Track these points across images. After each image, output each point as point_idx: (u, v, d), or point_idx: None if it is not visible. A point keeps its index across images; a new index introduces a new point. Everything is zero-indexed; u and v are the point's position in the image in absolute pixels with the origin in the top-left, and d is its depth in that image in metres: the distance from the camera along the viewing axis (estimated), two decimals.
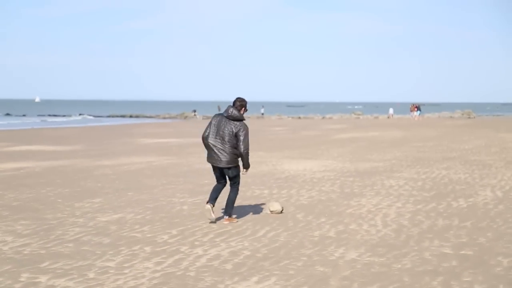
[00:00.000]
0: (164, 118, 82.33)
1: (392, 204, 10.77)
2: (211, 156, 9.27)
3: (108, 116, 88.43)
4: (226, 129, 9.11)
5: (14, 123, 63.82)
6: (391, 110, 76.96)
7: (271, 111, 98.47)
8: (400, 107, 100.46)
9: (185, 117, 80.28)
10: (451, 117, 74.74)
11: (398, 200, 11.13)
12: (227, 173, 9.28)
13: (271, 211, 9.98)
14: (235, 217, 9.53)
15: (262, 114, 79.62)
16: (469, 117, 73.89)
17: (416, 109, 67.09)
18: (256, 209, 10.41)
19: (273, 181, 13.94)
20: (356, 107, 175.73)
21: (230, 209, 9.37)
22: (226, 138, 9.08)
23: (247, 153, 9.15)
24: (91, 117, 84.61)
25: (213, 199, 9.28)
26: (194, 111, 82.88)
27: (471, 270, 6.64)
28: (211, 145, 9.20)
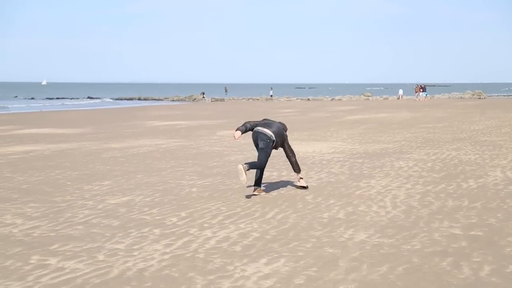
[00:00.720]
0: (173, 100, 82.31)
1: (401, 185, 10.76)
2: None
3: (117, 99, 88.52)
4: None
5: (35, 106, 64.00)
6: (400, 91, 76.54)
7: (280, 93, 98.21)
8: (410, 89, 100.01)
9: (194, 100, 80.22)
10: (461, 97, 74.30)
11: (407, 182, 11.11)
12: None
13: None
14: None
15: (271, 96, 79.42)
16: (480, 98, 73.42)
17: (421, 90, 66.76)
18: (265, 191, 10.42)
19: (282, 163, 13.93)
20: (368, 88, 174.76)
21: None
22: None
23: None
24: (110, 100, 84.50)
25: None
26: (203, 93, 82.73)
27: (480, 251, 6.63)
28: None
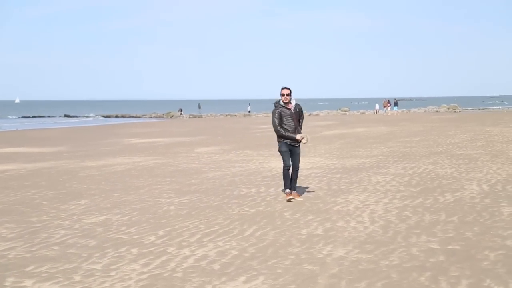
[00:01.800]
0: (151, 117, 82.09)
1: (379, 200, 10.80)
2: None
3: (94, 116, 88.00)
4: None
5: (10, 124, 63.32)
6: (377, 106, 77.23)
7: (258, 109, 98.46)
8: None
9: (172, 116, 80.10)
10: (437, 111, 75.15)
11: (385, 196, 11.16)
12: None
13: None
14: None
15: (249, 112, 79.58)
16: (455, 111, 74.32)
17: (389, 104, 67.47)
18: (244, 208, 10.39)
19: (260, 179, 13.93)
20: (358, 102, 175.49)
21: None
22: None
23: (275, 131, 10.91)
24: (101, 118, 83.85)
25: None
26: (181, 110, 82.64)
27: (458, 265, 6.66)
28: None
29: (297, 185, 12.88)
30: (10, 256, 7.51)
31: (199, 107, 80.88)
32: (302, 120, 11.03)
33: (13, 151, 24.70)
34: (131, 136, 34.45)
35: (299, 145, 10.99)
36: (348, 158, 18.22)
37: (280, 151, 11.03)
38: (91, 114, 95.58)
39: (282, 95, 10.80)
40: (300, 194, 11.21)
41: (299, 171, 11.14)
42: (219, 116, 77.56)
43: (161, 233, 8.60)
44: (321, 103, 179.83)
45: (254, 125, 47.83)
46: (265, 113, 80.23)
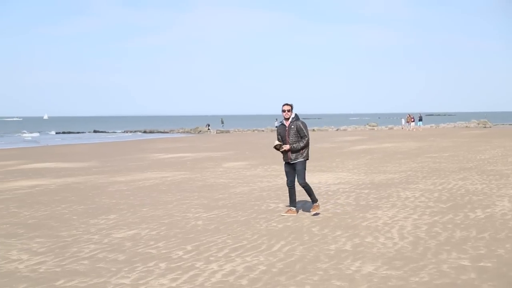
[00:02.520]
0: (178, 132, 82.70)
1: (408, 216, 10.70)
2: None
3: (123, 132, 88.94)
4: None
5: (41, 140, 64.34)
6: (403, 121, 76.60)
7: None
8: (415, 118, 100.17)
9: (199, 132, 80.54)
10: (466, 127, 74.31)
11: (414, 212, 11.05)
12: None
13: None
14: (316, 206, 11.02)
15: (276, 127, 79.55)
16: (485, 127, 73.39)
17: (413, 119, 66.56)
18: (271, 223, 10.38)
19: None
20: (376, 118, 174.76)
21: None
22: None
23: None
24: (130, 133, 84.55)
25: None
26: (208, 125, 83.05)
27: (490, 283, 6.56)
28: None
29: (325, 200, 12.83)
30: (41, 270, 7.61)
31: (222, 123, 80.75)
32: (303, 138, 10.84)
33: (43, 167, 25.06)
34: (159, 151, 34.71)
35: (295, 162, 10.89)
36: (377, 173, 18.10)
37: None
38: (119, 130, 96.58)
39: (283, 111, 10.81)
40: (318, 207, 11.03)
41: (305, 187, 10.93)
42: (246, 131, 77.75)
43: (189, 247, 8.64)
44: (354, 118, 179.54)
45: None
46: None
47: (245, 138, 54.50)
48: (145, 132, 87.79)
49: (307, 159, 10.97)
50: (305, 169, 10.91)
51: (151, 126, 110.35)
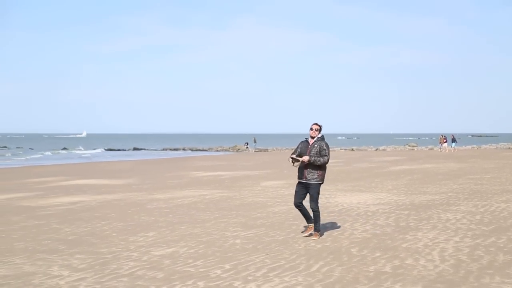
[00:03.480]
0: (217, 150, 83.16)
1: (449, 238, 10.51)
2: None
3: (162, 150, 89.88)
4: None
5: (83, 156, 65.62)
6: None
7: None
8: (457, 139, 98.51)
9: (238, 150, 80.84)
10: (509, 148, 72.82)
11: (455, 234, 10.86)
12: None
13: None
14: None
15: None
16: None
17: (445, 140, 64.97)
18: (310, 243, 10.33)
19: (326, 214, 13.82)
20: (416, 138, 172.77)
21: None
22: None
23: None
24: (169, 151, 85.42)
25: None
26: (247, 144, 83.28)
27: None
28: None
29: (364, 221, 12.70)
30: (81, 287, 7.71)
31: (255, 142, 79.94)
32: (323, 157, 10.58)
33: (84, 183, 25.47)
34: (197, 169, 34.94)
35: (310, 184, 10.60)
36: (417, 194, 17.86)
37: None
38: (158, 147, 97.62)
39: (311, 129, 10.69)
40: (318, 235, 10.80)
41: (315, 212, 10.71)
42: (284, 149, 77.72)
43: (227, 266, 8.65)
44: (398, 138, 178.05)
45: None
46: (331, 148, 79.77)
47: (283, 157, 54.46)
48: (184, 149, 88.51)
49: (322, 182, 10.71)
50: (319, 193, 10.70)
51: (190, 144, 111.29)
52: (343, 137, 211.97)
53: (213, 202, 16.88)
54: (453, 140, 65.17)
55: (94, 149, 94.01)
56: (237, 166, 39.28)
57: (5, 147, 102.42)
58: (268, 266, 8.61)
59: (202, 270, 8.46)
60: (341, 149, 77.55)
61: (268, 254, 9.44)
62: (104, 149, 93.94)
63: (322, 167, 10.60)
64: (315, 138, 10.67)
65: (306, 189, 10.70)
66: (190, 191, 20.64)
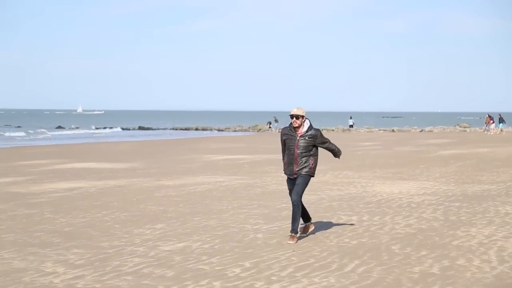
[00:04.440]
0: (235, 131, 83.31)
1: (509, 235, 10.42)
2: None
3: (172, 129, 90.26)
4: None
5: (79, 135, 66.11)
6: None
7: (360, 123, 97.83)
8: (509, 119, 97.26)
9: (259, 130, 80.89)
10: None
11: None
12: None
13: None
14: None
15: (351, 126, 79.09)
16: None
17: (491, 121, 64.08)
18: (343, 238, 10.30)
19: (363, 205, 13.78)
20: (463, 118, 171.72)
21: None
22: None
23: None
24: (180, 130, 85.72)
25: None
26: (269, 123, 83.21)
27: None
28: None
29: (407, 213, 12.63)
30: (78, 286, 7.77)
31: (276, 121, 79.08)
32: (328, 144, 10.66)
33: (82, 167, 25.67)
34: (212, 152, 35.04)
35: (298, 176, 10.24)
36: (469, 184, 17.72)
37: None
38: (167, 126, 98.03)
39: (291, 117, 10.29)
40: (296, 238, 10.18)
41: (295, 206, 10.20)
42: None
43: (247, 264, 8.65)
44: (414, 118, 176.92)
45: (355, 141, 47.52)
46: (367, 128, 79.54)
47: None
48: (196, 129, 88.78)
49: (313, 175, 10.37)
50: (306, 185, 10.31)
51: (203, 123, 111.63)
52: (386, 117, 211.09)
53: (231, 190, 16.91)
54: (501, 120, 64.35)
55: (111, 128, 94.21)
56: (258, 148, 39.31)
57: None
58: (295, 265, 8.60)
59: (218, 268, 8.48)
60: (379, 130, 77.24)
61: (294, 251, 9.43)
62: (122, 128, 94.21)
63: (314, 158, 10.36)
64: (302, 128, 10.30)
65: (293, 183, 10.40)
66: (204, 177, 20.70)
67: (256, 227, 11.45)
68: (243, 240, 10.28)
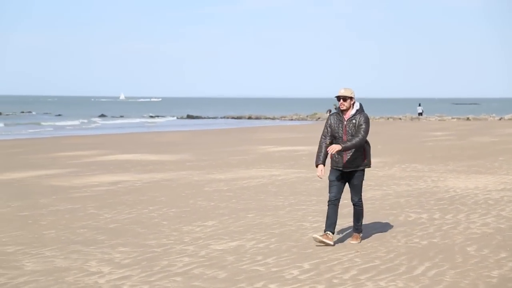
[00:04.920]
0: (291, 119, 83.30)
1: None
2: None
3: (223, 118, 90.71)
4: None
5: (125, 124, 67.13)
6: None
7: (430, 111, 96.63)
8: None
9: (318, 119, 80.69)
10: None
11: None
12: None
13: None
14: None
15: (420, 114, 78.21)
16: None
17: None
18: (412, 238, 10.24)
19: (434, 202, 13.65)
20: None
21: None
22: None
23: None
24: (232, 119, 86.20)
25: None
26: (329, 111, 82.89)
27: None
28: None
29: (484, 211, 12.45)
30: (124, 287, 7.92)
31: (335, 109, 78.51)
32: (358, 133, 9.86)
33: (127, 159, 26.03)
34: (267, 143, 35.11)
35: (352, 172, 10.00)
36: None
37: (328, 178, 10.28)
38: (217, 115, 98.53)
39: (337, 99, 10.10)
40: (360, 238, 10.16)
41: (358, 206, 10.17)
42: (378, 119, 77.06)
43: (306, 266, 8.68)
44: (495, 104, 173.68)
45: (424, 131, 47.01)
46: (439, 116, 78.52)
47: (376, 128, 53.97)
48: (249, 118, 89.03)
49: (369, 166, 10.15)
50: (363, 181, 10.17)
51: (257, 111, 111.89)
52: (459, 103, 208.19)
53: (287, 185, 16.94)
54: None
55: (173, 116, 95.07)
56: (317, 139, 39.13)
57: (30, 112, 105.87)
58: (359, 267, 8.60)
59: (275, 269, 8.52)
60: (452, 118, 76.16)
61: (358, 252, 9.43)
62: (176, 117, 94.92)
63: (367, 147, 10.12)
64: (349, 111, 10.04)
65: (347, 178, 10.13)
66: (258, 170, 20.78)
67: (315, 225, 11.46)
68: (301, 239, 10.30)
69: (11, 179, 19.11)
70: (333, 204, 10.06)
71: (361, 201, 10.20)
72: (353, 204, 10.21)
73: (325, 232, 9.88)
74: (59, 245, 10.16)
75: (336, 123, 10.05)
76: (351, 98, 9.99)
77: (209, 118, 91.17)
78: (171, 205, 13.91)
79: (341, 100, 10.01)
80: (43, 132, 54.27)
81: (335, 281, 7.99)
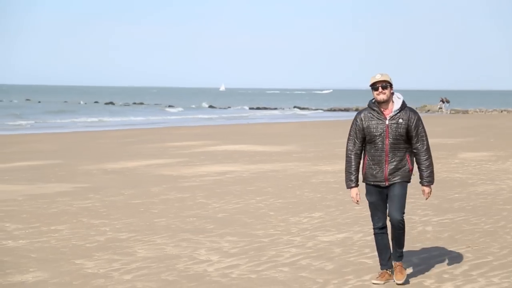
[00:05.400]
0: None
1: None
2: None
3: (329, 110, 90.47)
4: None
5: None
6: None
7: None
8: None
9: (428, 111, 79.26)
10: None
11: None
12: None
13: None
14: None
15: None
16: None
17: None
18: None
19: None
20: None
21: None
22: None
23: None
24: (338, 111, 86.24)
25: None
26: (441, 103, 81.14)
27: None
28: None
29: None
30: (233, 276, 8.03)
31: (447, 102, 76.23)
32: (421, 143, 7.76)
33: (234, 149, 26.33)
34: None
35: (396, 182, 7.71)
36: None
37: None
38: (324, 107, 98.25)
39: (375, 88, 7.59)
40: (404, 269, 7.72)
41: (400, 225, 7.69)
42: (490, 111, 75.01)
43: (415, 260, 8.59)
44: None
45: None
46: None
47: (489, 121, 52.57)
48: (356, 110, 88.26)
49: (409, 181, 7.98)
50: (406, 196, 7.87)
51: (363, 102, 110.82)
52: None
53: None
54: None
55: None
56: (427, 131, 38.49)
57: (142, 103, 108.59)
58: (470, 262, 8.43)
59: None
60: None
61: (469, 247, 9.24)
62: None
63: (412, 154, 7.85)
64: (396, 106, 7.65)
65: (387, 192, 7.79)
66: None
67: (424, 219, 11.29)
68: (411, 233, 10.16)
69: (123, 168, 19.66)
70: (383, 232, 7.82)
71: (403, 221, 7.74)
72: (393, 225, 7.67)
73: (384, 270, 7.75)
74: (170, 233, 10.40)
75: (372, 123, 7.67)
76: (391, 85, 7.61)
77: (317, 109, 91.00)
78: (277, 196, 13.98)
79: (380, 88, 7.56)
80: (159, 122, 55.46)
81: (445, 276, 7.86)
